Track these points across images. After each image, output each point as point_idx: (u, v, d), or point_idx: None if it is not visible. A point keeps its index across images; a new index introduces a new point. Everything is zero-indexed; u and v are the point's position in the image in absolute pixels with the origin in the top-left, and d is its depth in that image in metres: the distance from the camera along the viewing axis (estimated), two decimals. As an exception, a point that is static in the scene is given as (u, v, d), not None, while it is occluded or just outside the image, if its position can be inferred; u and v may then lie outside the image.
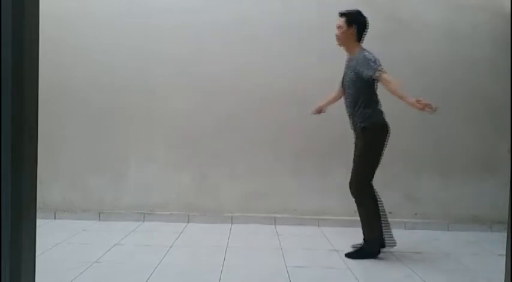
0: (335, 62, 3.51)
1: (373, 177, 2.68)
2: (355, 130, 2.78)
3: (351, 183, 2.76)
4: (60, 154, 3.46)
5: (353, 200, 3.52)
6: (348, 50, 2.76)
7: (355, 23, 2.70)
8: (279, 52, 3.49)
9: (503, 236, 1.16)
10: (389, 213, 3.53)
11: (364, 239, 2.70)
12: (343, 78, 2.80)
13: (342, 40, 2.73)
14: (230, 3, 3.47)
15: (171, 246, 2.73)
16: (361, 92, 2.64)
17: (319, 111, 3.01)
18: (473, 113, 3.58)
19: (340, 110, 3.52)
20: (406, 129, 3.54)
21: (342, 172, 3.51)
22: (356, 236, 3.19)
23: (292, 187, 3.51)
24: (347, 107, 2.79)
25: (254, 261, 2.49)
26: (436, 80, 3.55)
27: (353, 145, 3.53)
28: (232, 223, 3.43)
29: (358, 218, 3.48)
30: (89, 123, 3.47)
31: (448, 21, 3.55)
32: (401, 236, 3.23)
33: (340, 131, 3.51)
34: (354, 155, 2.76)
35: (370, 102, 2.67)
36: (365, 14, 3.53)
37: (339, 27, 2.71)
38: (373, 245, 2.63)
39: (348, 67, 2.76)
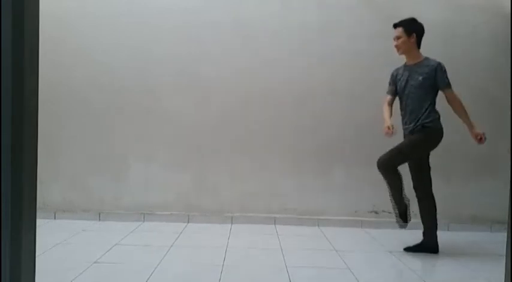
0: (334, 63, 3.53)
1: (399, 164, 2.78)
2: (412, 131, 2.80)
3: (381, 161, 2.80)
4: (60, 154, 3.46)
5: (353, 199, 3.53)
6: (411, 57, 2.84)
7: (414, 31, 2.78)
8: (278, 52, 3.49)
9: (503, 236, 1.16)
10: (389, 213, 3.54)
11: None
12: (402, 83, 2.85)
13: (403, 49, 2.81)
14: (230, 3, 3.47)
15: (171, 246, 2.73)
16: (430, 96, 2.79)
17: (391, 129, 2.83)
18: (473, 113, 3.57)
19: (340, 110, 3.53)
20: (406, 129, 3.54)
21: (342, 172, 3.52)
22: (356, 236, 3.19)
23: (292, 187, 3.51)
24: (408, 110, 2.83)
25: (254, 261, 2.49)
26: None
27: (353, 145, 3.53)
28: (232, 223, 3.43)
29: (358, 218, 3.50)
30: (89, 123, 3.47)
31: (448, 21, 3.55)
32: (401, 236, 3.24)
33: (340, 131, 3.52)
34: (402, 143, 2.82)
35: (435, 107, 2.83)
36: (365, 14, 3.56)
37: (398, 38, 2.79)
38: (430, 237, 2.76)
39: (413, 72, 2.81)
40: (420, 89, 2.76)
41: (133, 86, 3.46)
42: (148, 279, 2.12)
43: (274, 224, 3.45)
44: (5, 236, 0.82)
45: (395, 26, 2.81)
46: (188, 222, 3.41)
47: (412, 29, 2.78)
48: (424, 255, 2.73)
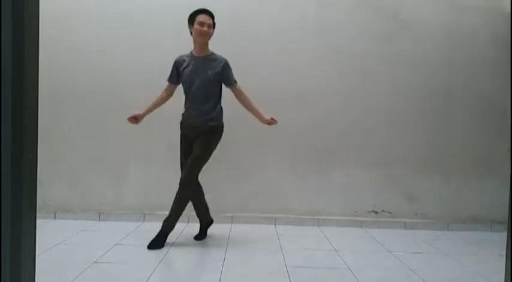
0: (334, 63, 3.53)
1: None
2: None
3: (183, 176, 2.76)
4: (60, 154, 3.46)
5: (353, 199, 3.53)
6: (205, 49, 2.84)
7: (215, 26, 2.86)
8: (278, 52, 3.49)
9: (503, 236, 1.16)
10: (389, 213, 3.54)
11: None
12: (191, 73, 2.83)
13: (208, 39, 2.79)
14: (230, 3, 3.47)
15: (171, 246, 2.73)
16: (216, 91, 2.87)
17: None
18: (473, 112, 3.58)
19: (340, 110, 3.54)
20: (406, 129, 3.54)
21: (342, 172, 3.52)
22: (356, 236, 3.19)
23: (292, 187, 3.51)
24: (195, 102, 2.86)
25: (254, 261, 2.49)
26: (436, 80, 3.55)
27: (353, 145, 3.54)
28: (232, 223, 3.43)
29: (358, 218, 3.50)
30: (89, 123, 3.47)
31: (448, 22, 3.55)
32: (401, 236, 3.25)
33: (340, 131, 3.52)
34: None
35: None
36: (365, 14, 3.56)
37: (209, 26, 2.76)
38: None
39: (202, 64, 2.84)
40: (210, 84, 2.76)
41: (134, 86, 3.46)
42: (148, 279, 2.12)
43: (274, 224, 3.45)
44: (5, 236, 0.82)
45: (210, 13, 2.78)
46: (188, 222, 3.41)
47: (215, 23, 2.82)
48: (424, 255, 2.73)
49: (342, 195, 3.51)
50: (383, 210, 3.52)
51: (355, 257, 2.63)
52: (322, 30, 3.52)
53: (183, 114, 2.88)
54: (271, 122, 2.87)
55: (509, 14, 3.49)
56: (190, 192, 2.78)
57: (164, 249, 2.65)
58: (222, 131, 2.85)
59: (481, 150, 3.56)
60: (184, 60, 2.83)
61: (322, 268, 2.39)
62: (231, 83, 2.84)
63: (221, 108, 2.86)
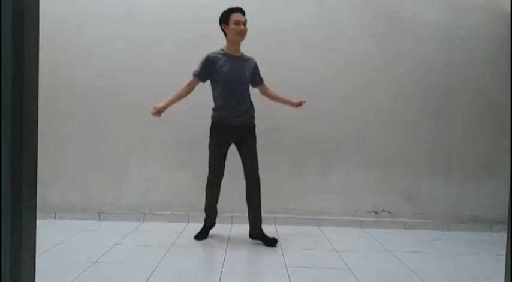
0: (334, 63, 3.53)
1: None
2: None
3: (254, 175, 2.86)
4: (60, 154, 3.46)
5: (353, 199, 3.53)
6: (238, 48, 2.87)
7: None
8: (279, 52, 3.49)
9: (503, 236, 1.16)
10: (389, 213, 3.54)
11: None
12: (231, 71, 2.82)
13: (244, 37, 2.79)
14: (230, 3, 3.46)
15: (171, 246, 2.73)
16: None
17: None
18: (473, 113, 3.58)
19: (340, 110, 3.54)
20: (406, 129, 3.54)
21: (342, 172, 3.52)
22: (356, 236, 3.19)
23: (292, 187, 3.51)
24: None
25: (254, 261, 2.49)
26: (436, 80, 3.55)
27: (353, 145, 3.54)
28: (232, 223, 3.43)
29: (358, 218, 3.50)
30: (89, 123, 3.47)
31: (448, 21, 3.55)
32: (401, 236, 3.24)
33: (340, 130, 3.52)
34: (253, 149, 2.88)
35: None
36: (365, 14, 3.56)
37: (245, 23, 2.75)
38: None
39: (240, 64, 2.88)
40: (247, 84, 2.84)
41: (134, 86, 3.46)
42: (148, 279, 2.12)
43: (274, 224, 3.45)
44: (5, 236, 0.82)
45: (243, 11, 2.77)
46: (188, 222, 3.41)
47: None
48: (424, 255, 2.74)
49: (342, 195, 3.51)
50: (383, 210, 3.52)
51: (355, 257, 2.63)
52: (322, 29, 3.52)
53: (217, 116, 2.80)
54: (300, 103, 2.99)
55: (509, 14, 3.49)
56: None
57: (164, 249, 2.65)
58: None
59: (481, 150, 3.56)
60: (219, 58, 2.76)
61: (322, 268, 2.40)
62: (261, 81, 2.94)
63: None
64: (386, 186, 3.53)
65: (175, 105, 3.46)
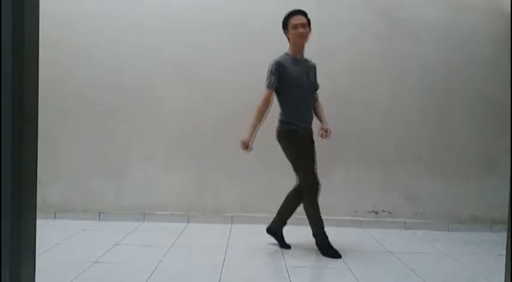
0: (334, 63, 3.53)
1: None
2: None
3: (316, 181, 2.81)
4: (60, 154, 3.46)
5: (353, 199, 3.53)
6: (301, 51, 2.81)
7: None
8: (278, 52, 3.48)
9: (503, 236, 1.16)
10: (389, 213, 3.54)
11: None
12: (303, 76, 2.75)
13: (307, 40, 2.73)
14: (230, 3, 3.47)
15: (171, 246, 2.73)
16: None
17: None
18: (473, 113, 3.58)
19: (340, 109, 3.54)
20: (406, 129, 3.54)
21: (342, 172, 3.52)
22: (356, 236, 3.19)
23: (292, 187, 3.50)
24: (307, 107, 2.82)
25: (254, 261, 2.49)
26: (436, 80, 3.55)
27: (353, 146, 3.54)
28: (232, 223, 3.43)
29: (358, 218, 3.50)
30: (89, 123, 3.47)
31: (448, 21, 3.55)
32: (401, 236, 3.24)
33: (340, 131, 3.52)
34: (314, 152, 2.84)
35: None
36: (365, 14, 3.55)
37: (304, 26, 2.65)
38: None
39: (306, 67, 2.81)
40: (312, 86, 2.81)
41: (134, 86, 3.46)
42: (148, 279, 2.12)
43: (274, 224, 3.44)
44: (5, 236, 0.82)
45: (302, 12, 2.65)
46: (188, 222, 3.41)
47: (309, 20, 2.69)
48: (424, 255, 2.74)
49: (342, 195, 3.51)
50: (383, 210, 3.52)
51: (355, 257, 2.63)
52: (322, 29, 3.51)
53: (292, 121, 2.70)
54: (326, 132, 2.81)
55: (509, 14, 3.49)
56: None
57: (164, 249, 2.65)
58: None
59: (481, 150, 3.56)
60: (288, 63, 2.67)
61: (322, 268, 2.39)
62: (317, 87, 2.90)
63: None
64: (386, 186, 3.53)
65: (172, 105, 3.46)
